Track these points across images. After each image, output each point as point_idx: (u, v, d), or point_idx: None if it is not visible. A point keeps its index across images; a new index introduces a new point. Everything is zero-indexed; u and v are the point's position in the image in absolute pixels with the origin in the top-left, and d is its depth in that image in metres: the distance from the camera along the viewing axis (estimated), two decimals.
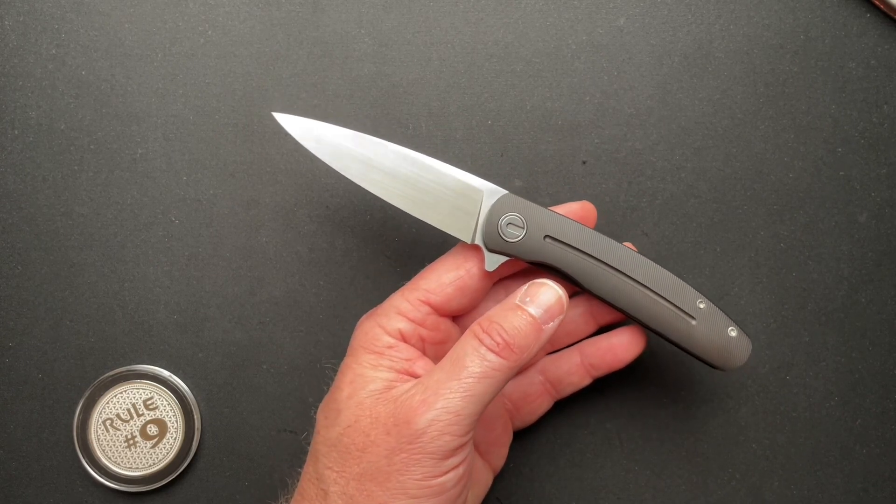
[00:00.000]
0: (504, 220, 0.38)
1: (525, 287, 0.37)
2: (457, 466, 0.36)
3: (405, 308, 0.38)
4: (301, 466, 0.39)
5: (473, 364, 0.35)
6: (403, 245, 0.45)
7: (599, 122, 0.45)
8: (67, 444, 0.45)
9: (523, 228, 0.38)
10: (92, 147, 0.45)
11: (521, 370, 0.42)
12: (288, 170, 0.45)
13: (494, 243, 0.38)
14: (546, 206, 0.39)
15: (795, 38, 0.45)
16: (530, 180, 0.45)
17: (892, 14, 0.45)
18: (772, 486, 0.45)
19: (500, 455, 0.42)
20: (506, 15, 0.45)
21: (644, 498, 0.45)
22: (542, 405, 0.43)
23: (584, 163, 0.45)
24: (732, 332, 0.39)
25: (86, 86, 0.45)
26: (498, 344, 0.36)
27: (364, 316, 0.40)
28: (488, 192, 0.38)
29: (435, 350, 0.39)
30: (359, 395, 0.37)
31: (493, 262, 0.38)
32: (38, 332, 0.45)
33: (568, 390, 0.43)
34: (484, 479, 0.42)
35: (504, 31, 0.45)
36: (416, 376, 0.38)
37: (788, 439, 0.45)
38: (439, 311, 0.39)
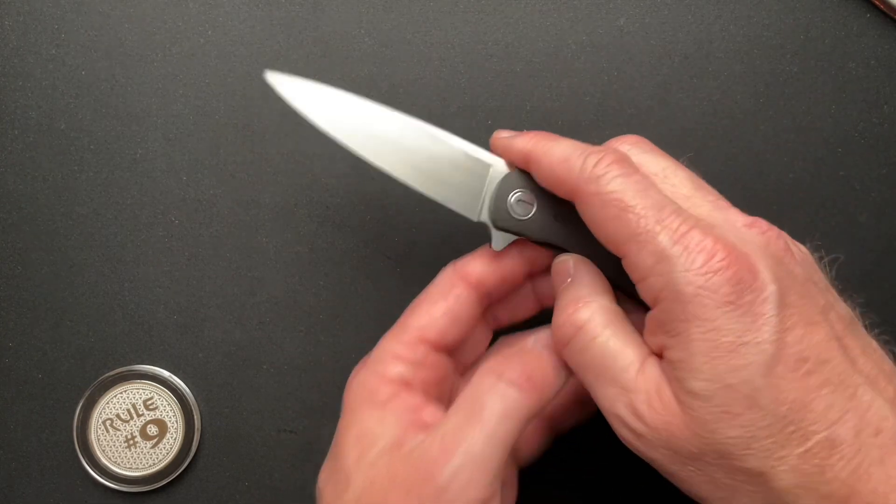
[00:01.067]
0: (514, 196, 0.36)
1: (533, 338, 0.35)
2: None
3: (400, 350, 0.35)
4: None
5: (493, 402, 0.32)
6: (403, 245, 0.45)
7: (599, 122, 0.45)
8: (67, 444, 0.45)
9: (533, 206, 0.36)
10: (92, 147, 0.45)
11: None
12: (288, 170, 0.45)
13: (503, 220, 0.36)
14: None
15: (795, 38, 0.45)
16: None
17: (892, 14, 0.45)
18: None
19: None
20: (506, 15, 0.45)
21: (645, 498, 0.45)
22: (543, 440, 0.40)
23: None
24: None
25: (86, 86, 0.45)
26: (519, 375, 0.33)
27: (356, 368, 0.37)
28: (497, 166, 0.36)
29: (437, 390, 0.36)
30: (369, 455, 0.33)
31: (501, 240, 0.36)
32: (38, 332, 0.45)
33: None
34: None
35: (504, 31, 0.45)
36: (426, 425, 0.34)
37: None
38: (436, 346, 0.36)
